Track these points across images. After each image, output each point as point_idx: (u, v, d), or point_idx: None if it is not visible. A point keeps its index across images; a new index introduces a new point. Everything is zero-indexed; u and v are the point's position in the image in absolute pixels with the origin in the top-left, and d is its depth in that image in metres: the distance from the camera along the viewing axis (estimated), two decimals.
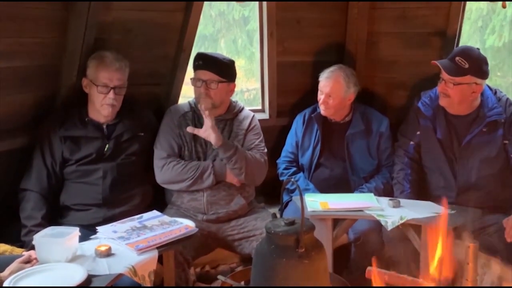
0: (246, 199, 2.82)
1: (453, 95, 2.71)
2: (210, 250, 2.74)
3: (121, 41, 2.81)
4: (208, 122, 2.65)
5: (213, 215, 2.72)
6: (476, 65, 2.68)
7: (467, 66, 2.66)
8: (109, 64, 2.61)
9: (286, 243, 1.72)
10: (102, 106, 2.62)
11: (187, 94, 3.22)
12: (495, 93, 2.83)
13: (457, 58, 2.68)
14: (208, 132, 2.65)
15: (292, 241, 1.71)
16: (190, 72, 2.95)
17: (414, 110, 2.97)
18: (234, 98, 2.96)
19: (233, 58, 2.88)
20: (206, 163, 2.73)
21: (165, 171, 2.72)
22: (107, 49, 2.70)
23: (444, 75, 2.71)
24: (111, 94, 2.60)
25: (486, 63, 2.74)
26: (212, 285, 2.72)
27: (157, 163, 2.76)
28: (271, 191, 3.11)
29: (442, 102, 2.78)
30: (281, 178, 3.15)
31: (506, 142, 2.76)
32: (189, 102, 2.89)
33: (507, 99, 2.81)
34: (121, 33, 2.80)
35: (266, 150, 2.88)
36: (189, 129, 2.69)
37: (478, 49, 2.79)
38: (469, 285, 1.83)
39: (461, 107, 2.77)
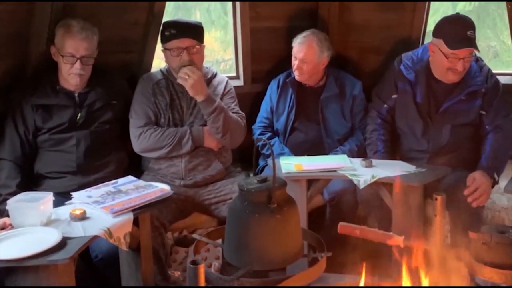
0: (223, 164, 2.84)
1: (466, 67, 2.64)
2: (187, 214, 2.76)
3: (90, 7, 2.75)
4: (198, 73, 2.62)
5: (191, 180, 2.74)
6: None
7: (474, 35, 2.60)
8: (76, 33, 2.54)
9: (258, 199, 1.76)
10: (70, 76, 2.58)
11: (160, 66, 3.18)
12: (477, 60, 2.80)
13: (469, 33, 2.59)
14: (196, 86, 2.62)
15: (264, 197, 1.75)
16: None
17: (393, 72, 2.88)
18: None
19: (208, 29, 2.85)
20: (183, 129, 2.73)
21: (142, 139, 2.71)
22: (76, 15, 2.64)
23: (462, 53, 2.58)
24: (77, 65, 2.55)
25: None
26: (190, 248, 2.75)
27: (133, 132, 2.74)
28: (247, 158, 3.11)
29: (450, 77, 2.67)
30: (256, 144, 3.17)
31: (483, 113, 2.75)
32: (161, 70, 2.87)
33: (489, 69, 2.78)
34: None
35: (244, 114, 2.89)
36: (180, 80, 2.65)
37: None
38: (438, 236, 1.89)
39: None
